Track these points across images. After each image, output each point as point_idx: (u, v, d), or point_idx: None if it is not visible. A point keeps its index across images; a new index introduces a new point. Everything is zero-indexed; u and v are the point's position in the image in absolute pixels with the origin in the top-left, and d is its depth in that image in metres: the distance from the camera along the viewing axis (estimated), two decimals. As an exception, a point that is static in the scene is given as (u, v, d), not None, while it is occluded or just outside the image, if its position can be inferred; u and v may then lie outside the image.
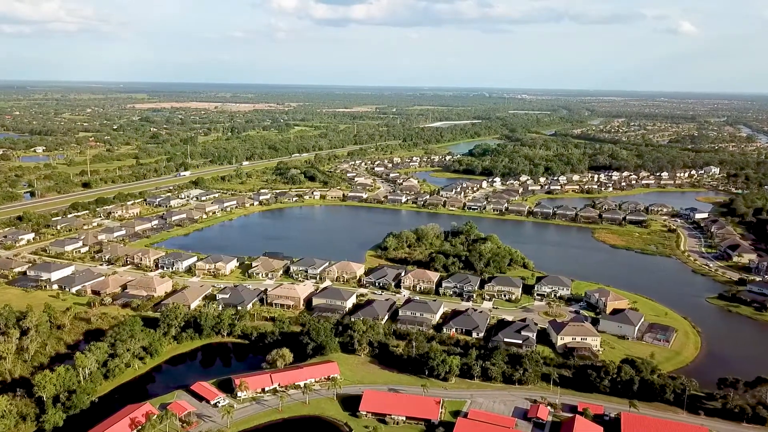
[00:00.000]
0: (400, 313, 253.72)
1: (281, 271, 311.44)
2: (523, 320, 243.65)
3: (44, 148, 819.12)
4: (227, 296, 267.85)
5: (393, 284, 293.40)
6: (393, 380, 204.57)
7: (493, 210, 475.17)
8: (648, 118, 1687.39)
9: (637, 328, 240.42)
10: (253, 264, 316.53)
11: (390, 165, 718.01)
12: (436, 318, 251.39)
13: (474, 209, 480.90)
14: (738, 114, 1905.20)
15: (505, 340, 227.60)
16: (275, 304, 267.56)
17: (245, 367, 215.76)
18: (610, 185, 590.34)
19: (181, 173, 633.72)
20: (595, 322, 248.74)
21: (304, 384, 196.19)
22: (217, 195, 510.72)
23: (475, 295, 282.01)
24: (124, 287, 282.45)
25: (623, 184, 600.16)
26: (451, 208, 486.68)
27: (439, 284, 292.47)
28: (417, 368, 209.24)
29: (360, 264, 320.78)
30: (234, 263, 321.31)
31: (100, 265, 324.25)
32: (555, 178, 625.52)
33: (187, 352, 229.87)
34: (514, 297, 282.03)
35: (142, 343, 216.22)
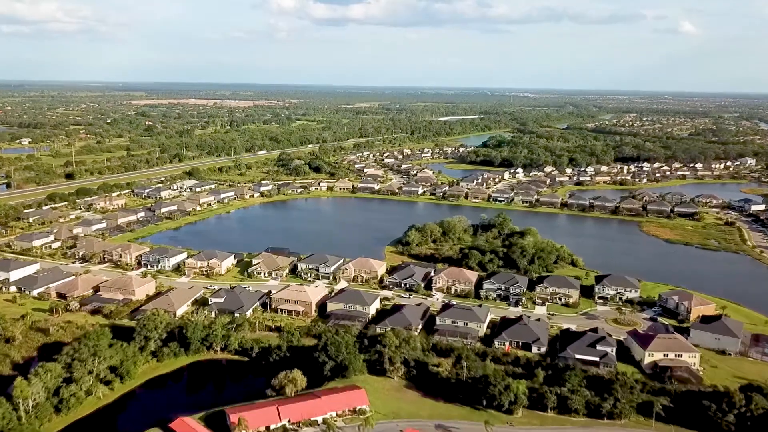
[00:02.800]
0: (437, 322, 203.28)
1: (287, 270, 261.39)
2: (594, 330, 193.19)
3: (30, 140, 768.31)
4: (222, 300, 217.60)
5: (422, 285, 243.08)
6: (440, 413, 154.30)
7: (522, 202, 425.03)
8: (659, 114, 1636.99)
9: (740, 340, 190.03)
10: (254, 261, 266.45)
11: (400, 156, 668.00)
12: (483, 328, 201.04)
13: (500, 201, 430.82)
14: (750, 110, 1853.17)
15: (577, 356, 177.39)
16: (281, 310, 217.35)
17: (243, 393, 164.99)
18: (644, 176, 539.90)
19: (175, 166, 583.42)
20: (679, 332, 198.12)
21: (323, 420, 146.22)
22: (213, 186, 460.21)
23: (524, 299, 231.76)
24: (96, 289, 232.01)
25: (657, 175, 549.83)
26: (474, 200, 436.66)
27: (478, 285, 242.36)
28: (470, 396, 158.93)
29: (380, 261, 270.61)
30: (231, 261, 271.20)
31: (73, 262, 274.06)
32: (582, 169, 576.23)
33: (170, 372, 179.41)
34: (571, 301, 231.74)
35: (110, 362, 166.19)
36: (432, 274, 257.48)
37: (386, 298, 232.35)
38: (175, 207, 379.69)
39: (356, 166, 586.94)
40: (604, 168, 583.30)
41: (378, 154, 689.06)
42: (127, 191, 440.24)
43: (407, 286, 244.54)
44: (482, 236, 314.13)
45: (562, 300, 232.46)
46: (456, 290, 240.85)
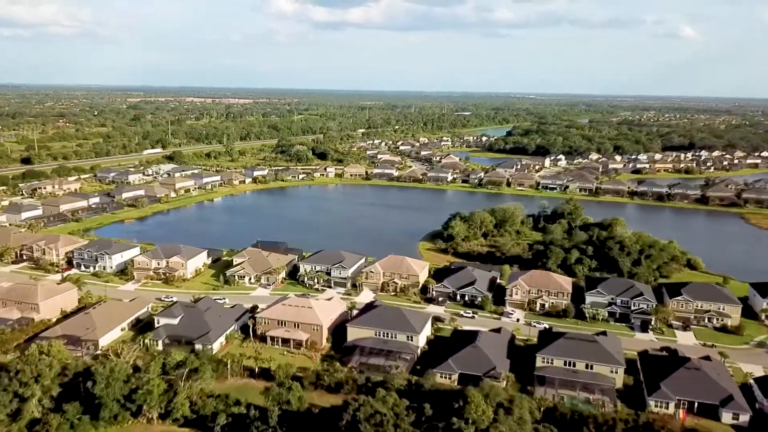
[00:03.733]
0: (539, 363, 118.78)
1: (284, 274, 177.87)
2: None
3: (1, 127, 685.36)
4: (176, 322, 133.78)
5: (490, 297, 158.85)
6: None
7: (580, 189, 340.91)
8: (679, 111, 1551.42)
9: None
10: (235, 261, 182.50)
11: (417, 144, 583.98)
12: (621, 374, 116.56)
13: (552, 189, 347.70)
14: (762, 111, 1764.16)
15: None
16: (273, 339, 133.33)
17: None
18: (710, 165, 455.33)
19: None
20: None
21: None
22: (197, 171, 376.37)
23: (654, 320, 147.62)
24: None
25: (725, 163, 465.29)
26: (519, 188, 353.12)
27: (576, 297, 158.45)
28: None
29: (421, 261, 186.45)
30: (202, 259, 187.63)
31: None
32: (633, 157, 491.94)
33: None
34: (730, 322, 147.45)
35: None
36: (498, 279, 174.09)
37: (438, 318, 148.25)
38: (141, 192, 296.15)
39: (368, 153, 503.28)
40: (657, 156, 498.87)
41: (391, 142, 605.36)
42: (88, 176, 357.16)
43: (467, 298, 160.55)
44: (553, 228, 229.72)
45: (715, 321, 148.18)
46: (543, 305, 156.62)
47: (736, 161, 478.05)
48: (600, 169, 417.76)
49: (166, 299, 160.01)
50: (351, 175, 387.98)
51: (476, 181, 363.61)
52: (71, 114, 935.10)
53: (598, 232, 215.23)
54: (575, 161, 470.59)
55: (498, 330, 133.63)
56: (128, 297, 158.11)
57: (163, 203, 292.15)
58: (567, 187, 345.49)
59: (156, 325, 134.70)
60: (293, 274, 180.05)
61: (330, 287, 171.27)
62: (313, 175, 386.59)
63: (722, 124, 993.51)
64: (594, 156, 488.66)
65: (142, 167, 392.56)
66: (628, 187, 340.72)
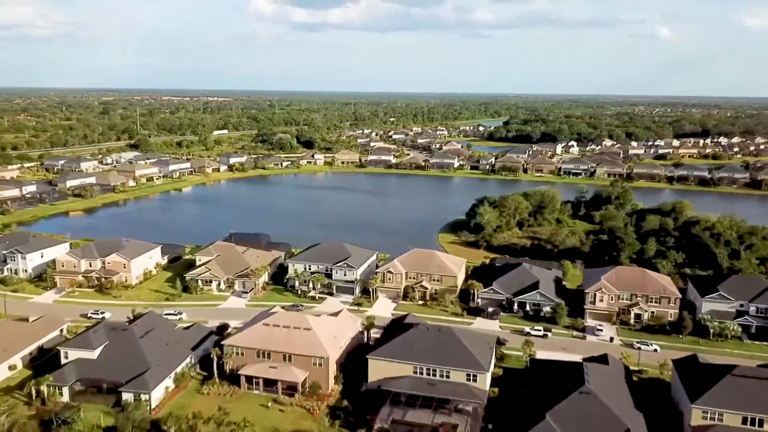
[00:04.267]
0: (702, 420, 70.98)
1: (266, 277, 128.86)
2: None
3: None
4: (93, 355, 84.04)
5: (564, 306, 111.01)
6: None
7: (608, 174, 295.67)
8: (668, 106, 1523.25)
9: None
10: (199, 259, 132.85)
11: (411, 133, 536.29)
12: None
13: (576, 174, 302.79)
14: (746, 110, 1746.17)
15: None
16: (251, 379, 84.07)
17: None
18: (738, 150, 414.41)
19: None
20: None
21: None
22: (164, 158, 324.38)
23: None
24: None
25: (751, 148, 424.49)
26: (537, 174, 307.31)
27: (685, 306, 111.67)
28: None
29: (456, 258, 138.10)
30: (154, 259, 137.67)
31: None
32: (651, 143, 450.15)
33: None
34: None
35: None
36: (563, 280, 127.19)
37: (500, 342, 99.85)
38: (92, 180, 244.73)
39: (359, 141, 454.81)
40: (676, 142, 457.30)
41: (382, 132, 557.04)
42: (33, 164, 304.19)
43: (528, 308, 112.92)
44: (609, 214, 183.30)
45: None
46: (640, 316, 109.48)
47: (762, 146, 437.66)
48: (621, 155, 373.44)
49: (95, 316, 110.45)
50: (343, 163, 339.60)
51: (487, 167, 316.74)
52: (36, 109, 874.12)
53: (662, 220, 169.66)
54: (588, 148, 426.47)
55: (602, 359, 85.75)
56: (40, 312, 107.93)
57: (119, 193, 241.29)
58: (593, 172, 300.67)
59: (62, 361, 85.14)
60: (279, 276, 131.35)
61: (332, 294, 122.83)
62: (299, 162, 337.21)
63: (722, 116, 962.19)
64: (608, 142, 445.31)
65: (100, 155, 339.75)
66: (663, 172, 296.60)
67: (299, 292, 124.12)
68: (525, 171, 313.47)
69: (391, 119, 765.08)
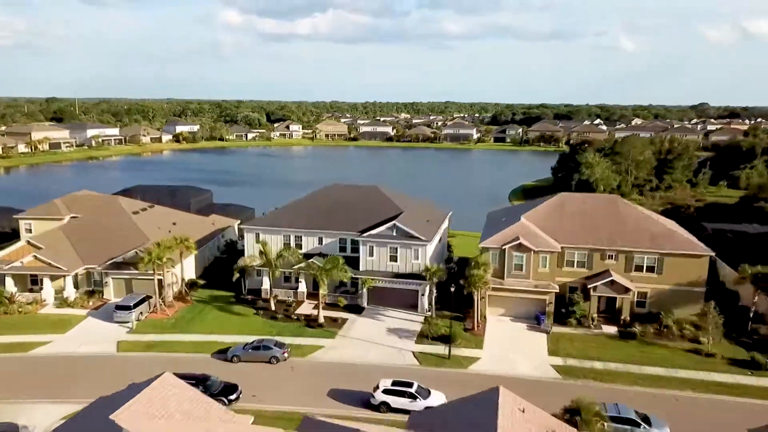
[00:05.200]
0: None
1: (191, 266, 50.64)
2: None
3: None
4: None
5: None
6: None
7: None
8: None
9: None
10: (25, 229, 54.03)
11: (402, 117, 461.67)
12: None
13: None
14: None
15: None
16: None
17: None
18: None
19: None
20: None
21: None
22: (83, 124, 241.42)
23: None
24: None
25: None
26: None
27: None
28: None
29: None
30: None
31: None
32: (694, 122, 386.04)
33: None
34: None
35: None
36: None
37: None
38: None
39: (342, 121, 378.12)
40: (712, 121, 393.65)
41: (367, 118, 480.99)
42: None
43: None
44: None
45: None
46: None
47: None
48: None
49: None
50: (328, 136, 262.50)
51: (518, 137, 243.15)
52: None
53: None
54: (618, 126, 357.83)
55: None
56: None
57: (5, 158, 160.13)
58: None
59: None
60: (227, 267, 53.80)
61: (357, 307, 45.77)
62: (270, 135, 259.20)
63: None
64: (638, 121, 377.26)
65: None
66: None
67: (273, 305, 47.08)
68: (568, 143, 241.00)
69: (375, 108, 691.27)
